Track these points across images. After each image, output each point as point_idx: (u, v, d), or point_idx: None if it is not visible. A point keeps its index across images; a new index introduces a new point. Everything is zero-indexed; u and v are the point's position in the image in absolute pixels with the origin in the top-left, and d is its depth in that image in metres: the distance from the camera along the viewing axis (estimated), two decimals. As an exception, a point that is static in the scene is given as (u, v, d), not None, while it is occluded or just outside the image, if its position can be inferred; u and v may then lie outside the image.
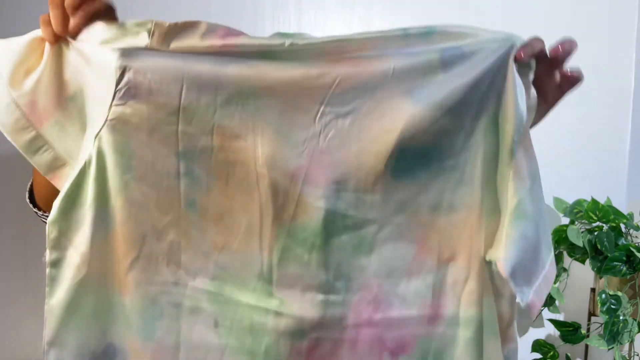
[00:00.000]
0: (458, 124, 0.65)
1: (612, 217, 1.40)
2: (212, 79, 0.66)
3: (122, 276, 0.68)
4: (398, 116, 0.62)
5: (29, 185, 0.94)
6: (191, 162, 0.66)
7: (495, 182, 0.66)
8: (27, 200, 0.93)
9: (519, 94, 0.64)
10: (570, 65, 0.70)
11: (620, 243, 1.39)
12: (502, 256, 0.62)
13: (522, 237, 0.63)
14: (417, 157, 0.65)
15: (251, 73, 0.66)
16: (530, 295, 0.64)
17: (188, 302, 0.68)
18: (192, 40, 0.68)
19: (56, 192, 0.70)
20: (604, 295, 1.36)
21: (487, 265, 0.65)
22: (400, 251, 0.66)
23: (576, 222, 1.44)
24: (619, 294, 1.36)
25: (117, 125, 0.65)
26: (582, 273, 1.52)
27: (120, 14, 1.49)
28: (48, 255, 0.68)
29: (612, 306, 1.36)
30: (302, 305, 0.65)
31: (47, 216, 0.70)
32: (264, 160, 0.64)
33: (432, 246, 0.66)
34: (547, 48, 0.67)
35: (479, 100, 0.64)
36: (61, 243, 0.68)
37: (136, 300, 0.68)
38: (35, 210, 0.91)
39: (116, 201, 0.66)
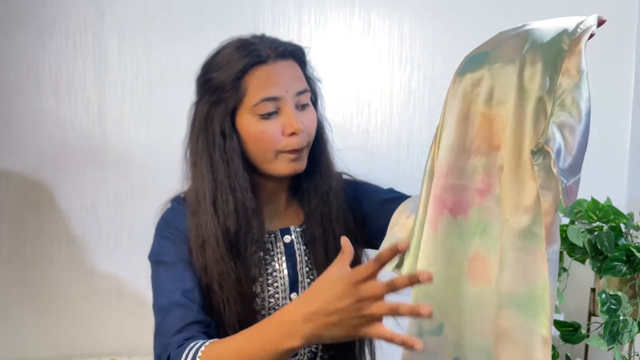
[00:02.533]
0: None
1: (612, 217, 1.40)
2: None
3: None
4: None
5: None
6: None
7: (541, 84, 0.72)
8: None
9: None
10: None
11: (620, 243, 1.39)
12: (549, 139, 0.69)
13: (563, 124, 0.70)
14: (477, 59, 0.77)
15: None
16: (571, 181, 0.70)
17: None
18: None
19: None
20: (604, 295, 1.36)
21: (533, 156, 0.70)
22: (462, 130, 0.77)
23: (576, 222, 1.44)
24: (619, 294, 1.36)
25: None
26: (582, 273, 1.52)
27: (119, 13, 1.50)
28: None
29: (612, 306, 1.36)
30: None
31: None
32: None
33: (485, 133, 0.76)
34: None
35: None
36: None
37: None
38: None
39: None
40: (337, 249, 1.01)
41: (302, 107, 0.98)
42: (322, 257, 1.03)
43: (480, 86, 0.75)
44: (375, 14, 1.62)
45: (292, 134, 0.95)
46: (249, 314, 0.97)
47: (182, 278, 0.95)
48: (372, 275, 0.71)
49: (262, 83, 0.94)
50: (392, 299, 0.71)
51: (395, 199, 1.02)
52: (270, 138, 0.95)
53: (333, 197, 1.04)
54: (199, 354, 0.82)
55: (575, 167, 0.71)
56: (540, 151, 0.69)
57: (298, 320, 0.75)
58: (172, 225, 1.00)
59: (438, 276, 0.76)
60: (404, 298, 0.85)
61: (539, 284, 0.71)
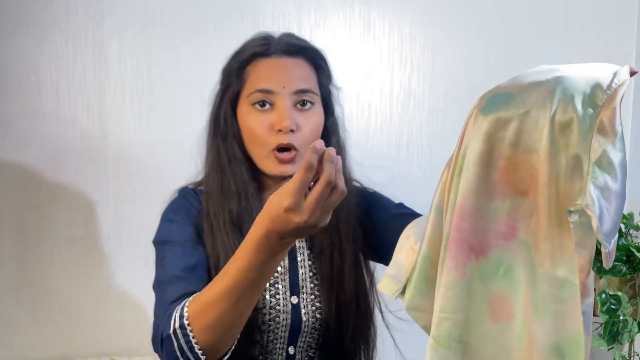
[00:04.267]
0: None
1: (612, 217, 1.40)
2: None
3: None
4: None
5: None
6: None
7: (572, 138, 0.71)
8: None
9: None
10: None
11: (620, 243, 1.39)
12: (592, 203, 0.68)
13: (605, 187, 0.69)
14: (502, 100, 0.74)
15: None
16: (612, 244, 0.70)
17: None
18: None
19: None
20: (604, 295, 1.36)
21: (568, 215, 0.70)
22: (484, 173, 0.75)
23: (576, 222, 1.44)
24: (619, 294, 1.36)
25: None
26: (582, 273, 1.52)
27: (119, 13, 1.50)
28: None
29: (612, 306, 1.35)
30: None
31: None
32: None
33: (509, 177, 0.74)
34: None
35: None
36: None
37: None
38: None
39: None
40: (342, 254, 1.01)
41: (301, 106, 0.98)
42: (327, 261, 1.02)
43: (507, 129, 0.73)
44: (375, 14, 1.62)
45: (280, 131, 0.96)
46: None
47: (186, 255, 0.95)
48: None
49: (260, 75, 0.97)
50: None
51: (404, 215, 1.01)
52: (259, 131, 0.97)
53: (344, 203, 1.04)
54: (185, 308, 0.82)
55: (614, 229, 0.71)
56: (577, 211, 0.69)
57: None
58: (179, 210, 1.01)
59: (463, 322, 0.77)
60: (412, 327, 0.84)
61: (577, 330, 0.73)
